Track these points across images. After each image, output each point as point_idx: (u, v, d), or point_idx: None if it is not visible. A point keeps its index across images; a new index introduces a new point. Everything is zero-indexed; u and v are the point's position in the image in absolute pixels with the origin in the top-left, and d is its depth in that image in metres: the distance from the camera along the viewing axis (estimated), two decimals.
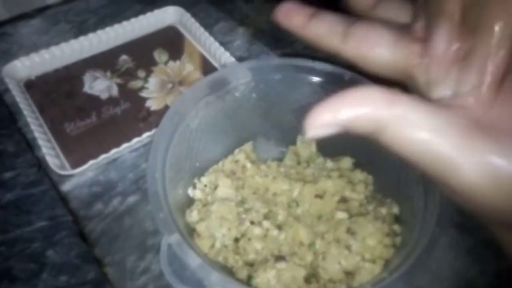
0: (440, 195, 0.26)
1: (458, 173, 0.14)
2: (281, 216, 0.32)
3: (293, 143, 0.38)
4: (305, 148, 0.37)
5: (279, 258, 0.29)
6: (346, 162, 0.36)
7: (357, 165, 0.36)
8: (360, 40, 0.17)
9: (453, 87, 0.16)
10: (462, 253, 0.35)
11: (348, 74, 0.33)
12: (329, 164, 0.36)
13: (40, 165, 0.38)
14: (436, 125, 0.14)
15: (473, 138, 0.14)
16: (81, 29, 0.50)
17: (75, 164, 0.38)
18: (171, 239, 0.25)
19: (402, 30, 0.17)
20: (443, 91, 0.16)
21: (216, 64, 0.47)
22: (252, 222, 0.31)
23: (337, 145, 0.33)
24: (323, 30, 0.18)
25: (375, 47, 0.17)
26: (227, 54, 0.45)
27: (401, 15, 0.18)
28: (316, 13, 0.18)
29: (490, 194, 0.14)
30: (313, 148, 0.37)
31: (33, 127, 0.39)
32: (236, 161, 0.35)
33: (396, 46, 0.17)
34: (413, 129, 0.14)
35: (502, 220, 0.15)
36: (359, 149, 0.34)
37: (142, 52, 0.48)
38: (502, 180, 0.13)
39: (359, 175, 0.34)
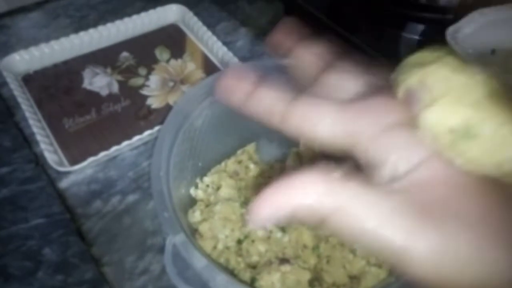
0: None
1: (406, 261, 0.14)
2: None
3: (296, 145, 0.38)
4: (307, 150, 0.37)
5: (284, 260, 0.28)
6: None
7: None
8: (301, 118, 0.17)
9: (393, 167, 0.15)
10: None
11: None
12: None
13: (38, 161, 0.38)
14: (379, 215, 0.14)
15: (419, 228, 0.14)
16: (81, 24, 0.49)
17: (73, 161, 0.37)
18: (176, 239, 0.24)
19: (344, 105, 0.17)
20: (383, 173, 0.15)
21: (218, 64, 0.46)
22: None
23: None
24: (264, 107, 0.17)
25: (316, 125, 0.16)
26: (230, 54, 0.45)
27: (346, 84, 0.18)
28: (258, 87, 0.18)
29: (442, 281, 0.14)
30: (316, 149, 0.37)
31: (31, 122, 0.38)
32: (239, 162, 0.35)
33: (336, 124, 0.16)
34: (357, 219, 0.14)
35: None
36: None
37: (143, 49, 0.47)
38: (453, 269, 0.13)
39: None
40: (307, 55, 0.20)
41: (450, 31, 0.35)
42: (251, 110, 0.18)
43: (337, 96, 0.17)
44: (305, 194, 0.14)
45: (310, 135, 0.17)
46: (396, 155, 0.15)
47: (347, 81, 0.18)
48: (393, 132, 0.16)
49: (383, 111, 0.16)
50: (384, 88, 0.17)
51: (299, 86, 0.18)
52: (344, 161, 0.16)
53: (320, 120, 0.16)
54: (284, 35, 0.20)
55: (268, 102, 0.17)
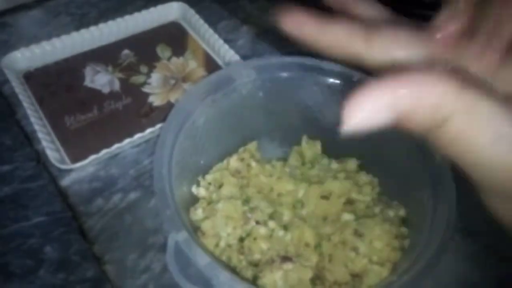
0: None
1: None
2: (286, 216, 0.32)
3: (298, 143, 0.38)
4: (309, 148, 0.37)
5: (286, 258, 0.28)
6: (352, 163, 0.35)
7: (361, 167, 0.35)
8: (388, 41, 0.15)
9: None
10: (465, 258, 0.35)
11: (357, 75, 0.33)
12: (334, 165, 0.36)
13: (39, 158, 0.37)
14: (499, 132, 0.12)
15: None
16: (82, 22, 0.49)
17: (75, 159, 0.37)
18: (178, 236, 0.24)
19: (425, 31, 0.16)
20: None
21: (220, 62, 0.46)
22: (257, 222, 0.31)
23: (342, 146, 0.33)
24: (342, 34, 0.16)
25: (406, 47, 0.15)
26: (232, 52, 0.45)
27: (375, 13, 0.17)
28: (328, 20, 0.16)
29: None
30: (318, 149, 0.37)
31: (32, 119, 0.38)
32: (241, 160, 0.35)
33: (428, 45, 0.15)
34: (480, 129, 0.12)
35: None
36: (364, 151, 0.34)
37: (144, 47, 0.47)
38: None
39: (365, 177, 0.34)
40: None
41: None
42: (328, 38, 0.16)
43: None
44: (432, 87, 0.12)
45: (399, 58, 0.15)
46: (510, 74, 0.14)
47: (372, 9, 0.17)
48: (492, 55, 0.14)
49: (471, 40, 0.15)
50: None
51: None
52: None
53: (411, 40, 0.15)
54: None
55: (347, 28, 0.16)
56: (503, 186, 0.12)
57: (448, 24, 0.15)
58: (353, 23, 0.16)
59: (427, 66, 0.13)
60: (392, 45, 0.15)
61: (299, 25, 0.16)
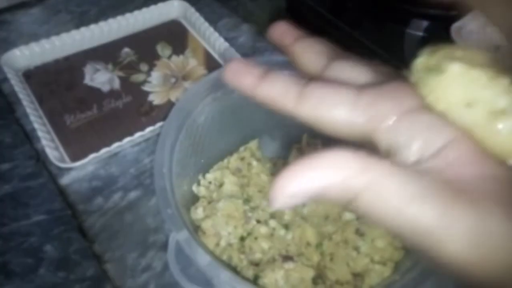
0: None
1: (441, 245, 0.13)
2: (287, 215, 0.31)
3: (298, 141, 0.38)
4: (310, 147, 0.37)
5: (287, 258, 0.28)
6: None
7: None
8: (316, 101, 0.16)
9: (418, 151, 0.15)
10: None
11: None
12: None
13: (39, 157, 0.37)
14: (413, 193, 0.13)
15: (453, 207, 0.13)
16: (82, 20, 0.49)
17: (74, 157, 0.37)
18: (179, 235, 0.24)
19: (361, 90, 0.16)
20: (406, 157, 0.15)
21: (220, 60, 0.46)
22: (258, 221, 0.30)
23: (343, 144, 0.33)
24: (276, 91, 0.16)
25: (333, 109, 0.16)
26: (232, 50, 0.45)
27: (355, 75, 0.17)
28: (268, 73, 0.17)
29: (477, 264, 0.13)
30: (319, 147, 0.37)
31: (32, 118, 0.38)
32: (242, 159, 0.35)
33: (355, 107, 0.16)
34: (390, 198, 0.13)
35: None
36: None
37: (145, 45, 0.47)
38: (488, 250, 0.13)
39: None
40: (308, 53, 0.19)
41: (454, 27, 0.34)
42: (263, 95, 0.17)
43: (349, 83, 0.17)
44: (338, 169, 0.13)
45: (326, 120, 0.16)
46: (422, 137, 0.15)
47: (355, 70, 0.18)
48: (415, 115, 0.15)
49: (401, 95, 0.16)
50: (395, 75, 0.17)
51: (307, 78, 0.17)
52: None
53: (337, 104, 0.16)
54: (282, 33, 0.20)
55: (281, 86, 0.17)
56: (423, 240, 0.13)
57: None
58: (289, 79, 0.17)
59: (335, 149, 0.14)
60: (321, 106, 0.16)
61: (239, 76, 0.17)
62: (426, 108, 0.15)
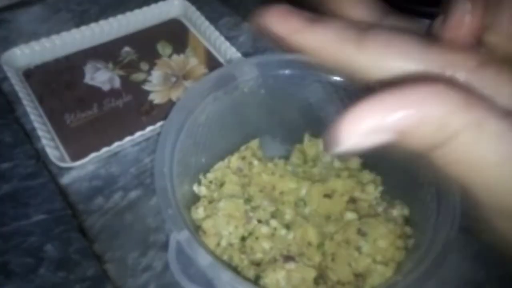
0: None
1: None
2: (288, 215, 0.31)
3: (300, 141, 0.37)
4: (311, 146, 0.37)
5: (288, 258, 0.28)
6: (354, 162, 0.35)
7: (364, 165, 0.35)
8: (383, 46, 0.13)
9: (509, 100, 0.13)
10: (468, 258, 0.34)
11: None
12: (337, 163, 0.35)
13: (39, 156, 0.37)
14: (508, 152, 0.11)
15: None
16: (83, 19, 0.49)
17: (75, 157, 0.37)
18: (180, 235, 0.24)
19: (432, 40, 0.14)
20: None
21: (221, 59, 0.46)
22: (259, 221, 0.30)
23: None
24: (331, 35, 0.14)
25: (402, 54, 0.13)
26: (233, 49, 0.44)
27: (372, 14, 0.15)
28: (317, 19, 0.14)
29: None
30: (320, 147, 0.37)
31: (32, 117, 0.38)
32: (243, 158, 0.34)
33: (427, 55, 0.13)
34: (492, 145, 0.11)
35: None
36: (367, 149, 0.33)
37: (145, 44, 0.47)
38: None
39: (368, 176, 0.34)
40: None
41: None
42: (315, 38, 0.14)
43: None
44: (438, 102, 0.11)
45: (392, 67, 0.13)
46: (510, 87, 0.12)
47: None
48: (493, 67, 0.13)
49: (470, 51, 0.13)
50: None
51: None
52: None
53: (407, 51, 0.13)
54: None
55: (336, 29, 0.14)
56: (507, 206, 0.12)
57: (459, 22, 0.14)
58: (345, 25, 0.14)
59: (427, 79, 0.12)
60: (387, 53, 0.13)
61: (283, 20, 0.14)
62: (502, 61, 0.13)
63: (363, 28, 0.14)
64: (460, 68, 0.13)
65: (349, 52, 0.13)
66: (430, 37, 0.14)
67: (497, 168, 0.11)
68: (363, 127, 0.11)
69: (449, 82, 0.11)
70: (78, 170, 0.37)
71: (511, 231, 0.12)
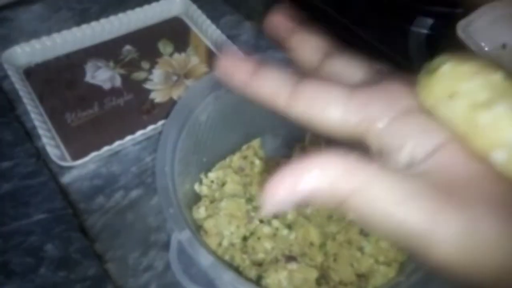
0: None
1: (432, 247, 0.13)
2: (290, 215, 0.31)
3: (301, 140, 0.37)
4: (313, 146, 0.37)
5: (290, 258, 0.28)
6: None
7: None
8: (309, 100, 0.16)
9: (409, 154, 0.15)
10: None
11: None
12: None
13: (39, 155, 0.37)
14: (401, 196, 0.13)
15: (443, 209, 0.13)
16: (83, 17, 0.48)
17: (75, 156, 0.37)
18: (181, 235, 0.24)
19: (354, 89, 0.16)
20: (398, 159, 0.15)
21: None
22: (261, 221, 0.30)
23: (344, 144, 0.33)
24: (268, 88, 0.16)
25: (325, 108, 0.15)
26: (235, 48, 0.44)
27: (350, 72, 0.17)
28: (261, 68, 0.17)
29: (469, 265, 0.13)
30: (321, 146, 0.37)
31: (32, 115, 0.38)
32: (245, 157, 0.34)
33: (348, 108, 0.15)
34: (377, 201, 0.13)
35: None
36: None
37: (146, 42, 0.47)
38: (479, 251, 0.13)
39: None
40: (303, 48, 0.19)
41: (461, 24, 0.34)
42: (254, 91, 0.17)
43: (344, 82, 0.17)
44: (324, 175, 0.13)
45: (318, 120, 0.16)
46: (413, 141, 0.15)
47: (351, 67, 0.17)
48: (407, 118, 0.15)
49: (396, 96, 0.16)
50: (391, 74, 0.17)
51: (300, 74, 0.17)
52: (351, 151, 0.15)
53: (330, 104, 0.15)
54: (278, 25, 0.19)
55: (273, 83, 0.16)
56: (411, 242, 0.13)
57: None
58: (282, 75, 0.16)
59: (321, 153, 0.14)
60: (314, 106, 0.16)
61: (232, 70, 0.17)
62: (420, 109, 0.15)
63: (298, 79, 0.16)
64: (374, 117, 0.15)
65: (283, 104, 0.16)
66: (355, 88, 0.16)
67: (393, 215, 0.13)
68: (274, 200, 0.14)
69: (336, 155, 0.14)
70: (78, 169, 0.37)
71: (432, 263, 0.14)
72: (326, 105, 0.16)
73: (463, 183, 0.14)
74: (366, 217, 0.14)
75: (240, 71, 0.17)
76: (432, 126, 0.15)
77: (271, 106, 0.17)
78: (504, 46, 0.29)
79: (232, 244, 0.30)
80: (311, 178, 0.13)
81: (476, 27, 0.33)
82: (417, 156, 0.14)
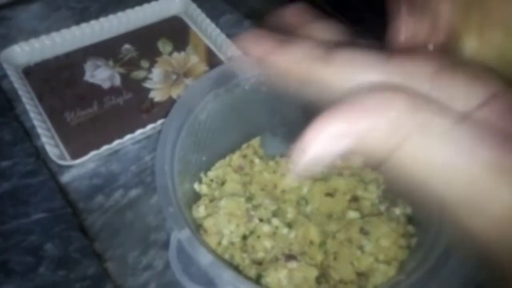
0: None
1: (487, 202, 0.12)
2: (290, 214, 0.31)
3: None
4: None
5: (290, 257, 0.28)
6: (356, 160, 0.35)
7: (365, 164, 0.35)
8: (346, 62, 0.15)
9: (462, 105, 0.14)
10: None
11: None
12: (339, 162, 0.35)
13: (39, 154, 0.37)
14: (467, 136, 0.12)
15: (505, 155, 0.12)
16: (83, 16, 0.48)
17: (75, 155, 0.37)
18: (181, 234, 0.24)
19: (390, 55, 0.15)
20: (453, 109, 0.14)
21: (222, 57, 0.46)
22: (261, 219, 0.30)
23: None
24: (300, 55, 0.15)
25: (365, 69, 0.14)
26: (234, 46, 0.44)
27: (329, 34, 0.17)
28: (288, 40, 0.16)
29: None
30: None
31: (32, 115, 0.38)
32: (244, 156, 0.34)
33: (388, 68, 0.14)
34: (442, 141, 0.12)
35: None
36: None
37: (145, 41, 0.47)
38: None
39: (370, 174, 0.33)
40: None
41: None
42: (285, 58, 0.16)
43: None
44: (386, 110, 0.12)
45: (357, 80, 0.14)
46: (464, 90, 0.13)
47: (327, 29, 0.17)
48: (448, 73, 0.14)
49: (430, 56, 0.15)
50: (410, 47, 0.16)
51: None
52: None
53: (369, 64, 0.14)
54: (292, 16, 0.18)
55: (304, 49, 0.15)
56: (465, 198, 0.12)
57: (406, 27, 0.16)
58: (313, 45, 0.16)
59: (381, 89, 0.13)
60: (351, 67, 0.15)
61: (257, 43, 0.16)
62: (456, 64, 0.14)
63: (329, 47, 0.15)
64: (417, 76, 0.14)
65: (317, 68, 0.15)
66: (391, 50, 0.16)
67: (445, 167, 0.12)
68: (327, 134, 0.12)
69: (398, 90, 0.12)
70: (78, 168, 0.37)
71: (479, 227, 0.13)
72: (366, 66, 0.14)
73: None
74: (416, 165, 0.12)
75: (268, 42, 0.16)
76: (481, 75, 0.14)
77: (302, 74, 0.15)
78: None
79: (231, 243, 0.30)
80: (372, 114, 0.12)
81: None
82: (470, 105, 0.13)
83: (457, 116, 0.13)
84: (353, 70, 0.14)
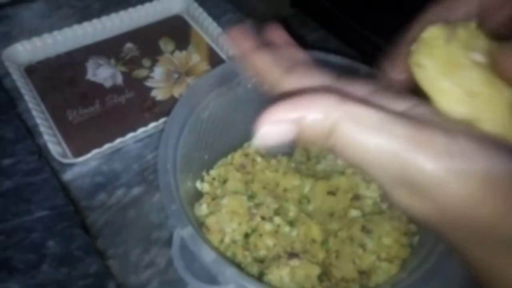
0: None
1: (418, 167, 0.14)
2: (292, 212, 0.31)
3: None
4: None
5: (292, 255, 0.28)
6: None
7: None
8: (302, 75, 0.18)
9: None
10: None
11: (364, 69, 0.32)
12: (341, 160, 0.35)
13: (41, 152, 0.37)
14: (387, 120, 0.14)
15: (427, 132, 0.14)
16: (85, 15, 0.48)
17: (77, 153, 0.37)
18: (184, 232, 0.24)
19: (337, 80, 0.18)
20: None
21: (223, 56, 0.46)
22: (263, 218, 0.30)
23: None
24: (269, 61, 0.19)
25: (316, 81, 0.18)
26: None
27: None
28: (261, 47, 0.19)
29: (454, 188, 0.14)
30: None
31: (34, 113, 0.38)
32: (246, 155, 0.34)
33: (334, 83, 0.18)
34: (365, 124, 0.14)
35: (472, 226, 0.14)
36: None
37: (147, 40, 0.47)
38: (465, 175, 0.14)
39: None
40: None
41: None
42: (252, 63, 0.19)
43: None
44: (316, 103, 0.15)
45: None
46: (392, 102, 0.16)
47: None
48: (380, 91, 0.17)
49: (370, 82, 0.18)
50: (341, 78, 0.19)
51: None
52: None
53: (321, 76, 0.18)
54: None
55: (267, 63, 0.19)
56: (395, 175, 0.15)
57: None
58: (275, 60, 0.19)
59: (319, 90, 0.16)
60: (302, 79, 0.18)
61: (242, 38, 0.20)
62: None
63: (294, 62, 0.19)
64: (357, 91, 0.17)
65: (277, 76, 0.18)
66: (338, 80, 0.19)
67: (377, 153, 0.14)
68: (270, 119, 0.15)
69: (332, 91, 0.15)
70: (80, 166, 0.37)
71: (408, 202, 0.15)
72: (317, 78, 0.18)
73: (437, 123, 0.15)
74: (353, 144, 0.15)
75: (247, 43, 0.20)
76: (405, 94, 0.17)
77: (267, 77, 0.19)
78: None
79: (234, 241, 0.30)
80: (307, 105, 0.15)
81: None
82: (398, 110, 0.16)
83: (383, 110, 0.15)
84: (308, 80, 0.18)
